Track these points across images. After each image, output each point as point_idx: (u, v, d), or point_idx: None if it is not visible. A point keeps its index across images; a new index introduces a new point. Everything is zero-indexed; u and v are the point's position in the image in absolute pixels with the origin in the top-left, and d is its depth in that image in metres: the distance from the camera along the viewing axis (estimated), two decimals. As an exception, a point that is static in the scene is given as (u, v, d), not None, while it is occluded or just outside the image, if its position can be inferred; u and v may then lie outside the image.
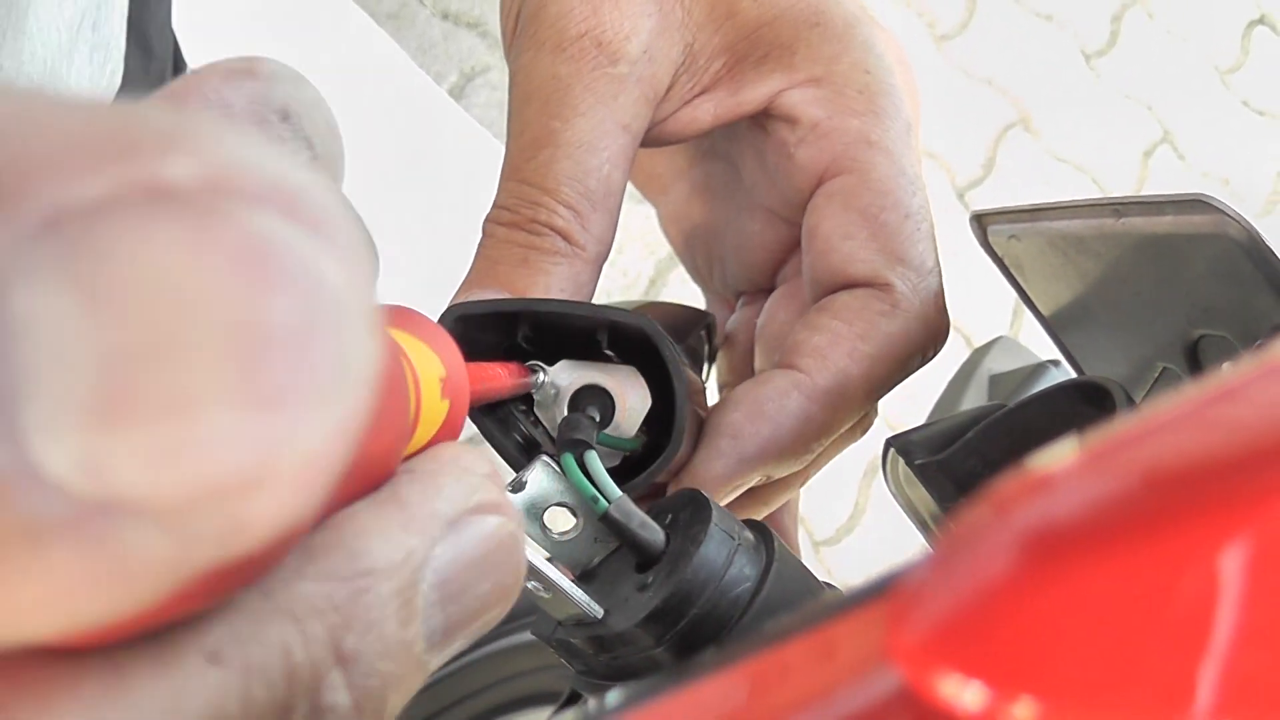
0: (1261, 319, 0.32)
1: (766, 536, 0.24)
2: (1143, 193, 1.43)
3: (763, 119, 0.30)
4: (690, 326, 0.32)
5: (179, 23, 0.67)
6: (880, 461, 0.40)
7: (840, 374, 0.27)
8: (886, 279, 0.28)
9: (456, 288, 0.27)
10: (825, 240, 0.29)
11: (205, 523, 0.08)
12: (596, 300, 0.27)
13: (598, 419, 0.26)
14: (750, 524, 0.25)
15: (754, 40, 0.29)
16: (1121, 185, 1.46)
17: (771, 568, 0.23)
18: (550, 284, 0.26)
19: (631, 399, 0.26)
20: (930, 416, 0.55)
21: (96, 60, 0.38)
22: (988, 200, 1.31)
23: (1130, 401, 0.34)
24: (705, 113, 0.30)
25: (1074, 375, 0.47)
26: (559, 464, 0.24)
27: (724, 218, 0.34)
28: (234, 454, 0.08)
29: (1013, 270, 0.46)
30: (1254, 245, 0.29)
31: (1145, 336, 0.40)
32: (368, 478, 0.13)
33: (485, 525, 0.13)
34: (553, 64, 0.27)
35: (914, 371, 0.29)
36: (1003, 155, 1.37)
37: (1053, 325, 0.45)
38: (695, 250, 0.35)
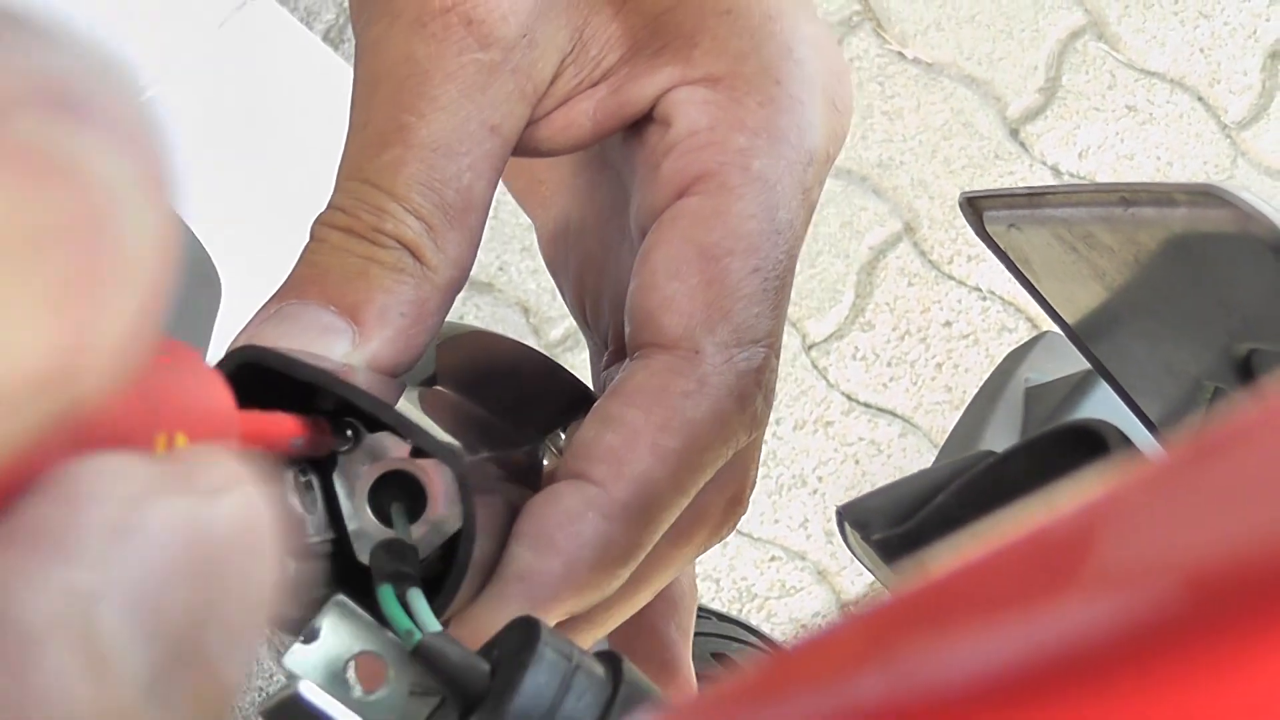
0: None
1: (612, 658, 0.24)
2: (1267, 113, 1.36)
3: (642, 125, 0.29)
4: (569, 411, 0.30)
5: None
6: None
7: (641, 481, 0.25)
8: (697, 344, 0.26)
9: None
10: (650, 273, 0.27)
11: (25, 408, 0.10)
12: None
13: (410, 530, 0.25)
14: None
15: (655, 28, 0.28)
16: (1239, 102, 1.37)
17: (619, 692, 0.22)
18: (390, 304, 0.25)
19: (442, 511, 0.25)
20: (949, 439, 0.52)
21: None
22: (1050, 136, 1.25)
23: (1127, 443, 0.31)
24: (582, 114, 0.28)
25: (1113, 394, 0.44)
26: (364, 602, 0.23)
27: (605, 243, 0.33)
28: (39, 353, 0.10)
29: (1019, 266, 0.43)
30: (1287, 249, 0.26)
31: (1187, 351, 0.37)
32: (125, 419, 0.13)
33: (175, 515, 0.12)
34: (408, 42, 0.26)
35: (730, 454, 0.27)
36: (1069, 74, 1.29)
37: (1079, 335, 0.43)
38: (571, 279, 0.34)
